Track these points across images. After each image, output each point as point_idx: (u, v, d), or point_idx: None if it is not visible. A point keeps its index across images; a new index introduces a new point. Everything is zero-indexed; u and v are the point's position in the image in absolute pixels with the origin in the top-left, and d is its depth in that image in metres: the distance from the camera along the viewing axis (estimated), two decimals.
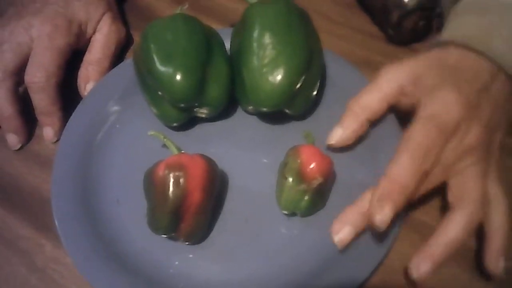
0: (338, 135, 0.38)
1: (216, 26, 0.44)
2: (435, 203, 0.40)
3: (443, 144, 0.34)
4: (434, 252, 0.34)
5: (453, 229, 0.34)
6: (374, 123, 0.40)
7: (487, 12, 0.39)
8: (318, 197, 0.38)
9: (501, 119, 0.37)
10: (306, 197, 0.37)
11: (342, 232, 0.35)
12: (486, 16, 0.38)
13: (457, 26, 0.40)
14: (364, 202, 0.35)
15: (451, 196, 0.35)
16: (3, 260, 0.40)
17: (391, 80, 0.37)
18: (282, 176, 0.38)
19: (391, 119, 0.41)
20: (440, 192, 0.41)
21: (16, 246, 0.40)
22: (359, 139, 0.40)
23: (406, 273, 0.35)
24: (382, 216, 0.32)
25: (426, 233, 0.39)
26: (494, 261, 0.35)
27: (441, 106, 0.35)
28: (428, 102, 0.36)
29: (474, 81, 0.36)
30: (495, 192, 0.36)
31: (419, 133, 0.35)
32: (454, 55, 0.38)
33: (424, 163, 0.34)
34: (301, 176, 0.37)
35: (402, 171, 0.33)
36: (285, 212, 0.39)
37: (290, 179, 0.37)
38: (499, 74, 0.37)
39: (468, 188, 0.35)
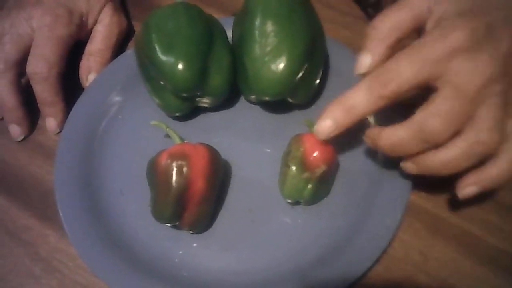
0: (367, 62, 0.33)
1: (217, 15, 0.44)
2: (438, 191, 0.40)
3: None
4: (428, 166, 0.32)
5: (451, 150, 0.31)
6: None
7: None
8: (322, 185, 0.38)
9: None
10: (310, 186, 0.37)
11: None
12: None
13: None
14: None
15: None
16: (6, 251, 0.40)
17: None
18: (285, 165, 0.38)
19: (396, 111, 0.41)
20: (443, 180, 0.41)
21: (20, 237, 0.40)
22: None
23: None
24: (320, 126, 0.34)
25: (429, 222, 0.39)
26: (466, 185, 0.33)
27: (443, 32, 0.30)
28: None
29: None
30: None
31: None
32: None
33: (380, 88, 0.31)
34: (304, 165, 0.36)
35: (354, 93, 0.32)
36: (289, 200, 0.39)
37: (293, 168, 0.37)
38: None
39: (481, 116, 0.30)
